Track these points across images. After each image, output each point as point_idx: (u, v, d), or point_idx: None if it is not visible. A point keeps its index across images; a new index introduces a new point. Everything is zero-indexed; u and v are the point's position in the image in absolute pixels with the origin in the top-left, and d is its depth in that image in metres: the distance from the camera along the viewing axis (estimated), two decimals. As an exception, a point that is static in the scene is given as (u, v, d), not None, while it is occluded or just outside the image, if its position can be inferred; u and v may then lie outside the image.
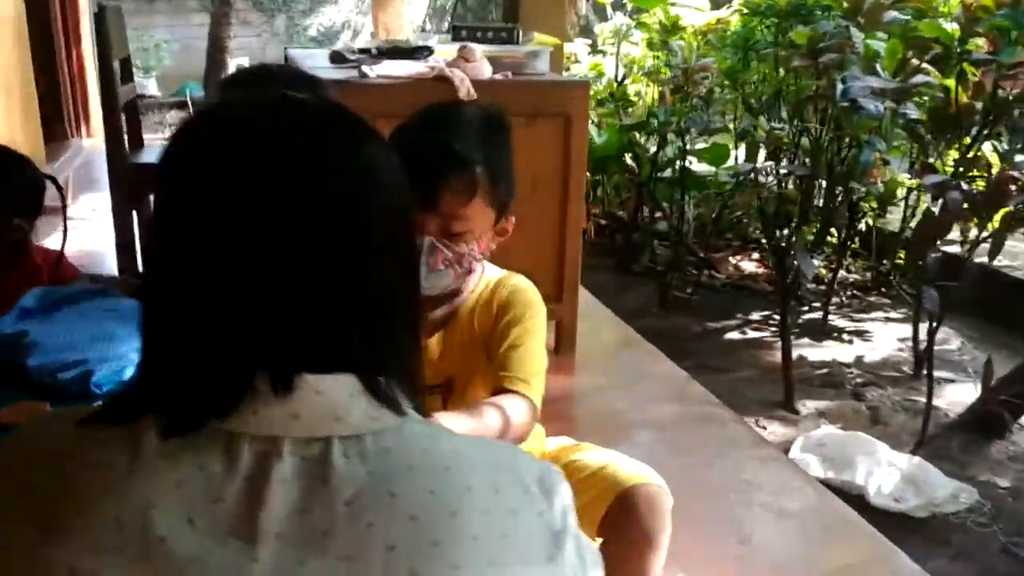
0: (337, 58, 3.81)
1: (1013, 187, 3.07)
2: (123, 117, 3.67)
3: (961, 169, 3.39)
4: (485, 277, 1.56)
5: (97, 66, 5.36)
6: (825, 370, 4.05)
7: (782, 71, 4.26)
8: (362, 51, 3.58)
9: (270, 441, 0.71)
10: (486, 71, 3.29)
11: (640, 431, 2.97)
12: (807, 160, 4.08)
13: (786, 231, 4.32)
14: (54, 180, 2.09)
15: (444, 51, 3.43)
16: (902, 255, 4.67)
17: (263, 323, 0.73)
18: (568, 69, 6.06)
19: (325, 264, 0.74)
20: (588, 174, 4.15)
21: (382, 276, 0.78)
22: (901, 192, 4.57)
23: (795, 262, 3.88)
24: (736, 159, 5.05)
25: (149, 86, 10.67)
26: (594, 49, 6.82)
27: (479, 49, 3.32)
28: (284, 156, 0.73)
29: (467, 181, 1.39)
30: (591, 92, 4.16)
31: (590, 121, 4.28)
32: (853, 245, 4.91)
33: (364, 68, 3.17)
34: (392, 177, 0.82)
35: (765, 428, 3.47)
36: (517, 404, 1.39)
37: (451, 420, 1.29)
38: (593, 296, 4.12)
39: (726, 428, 3.06)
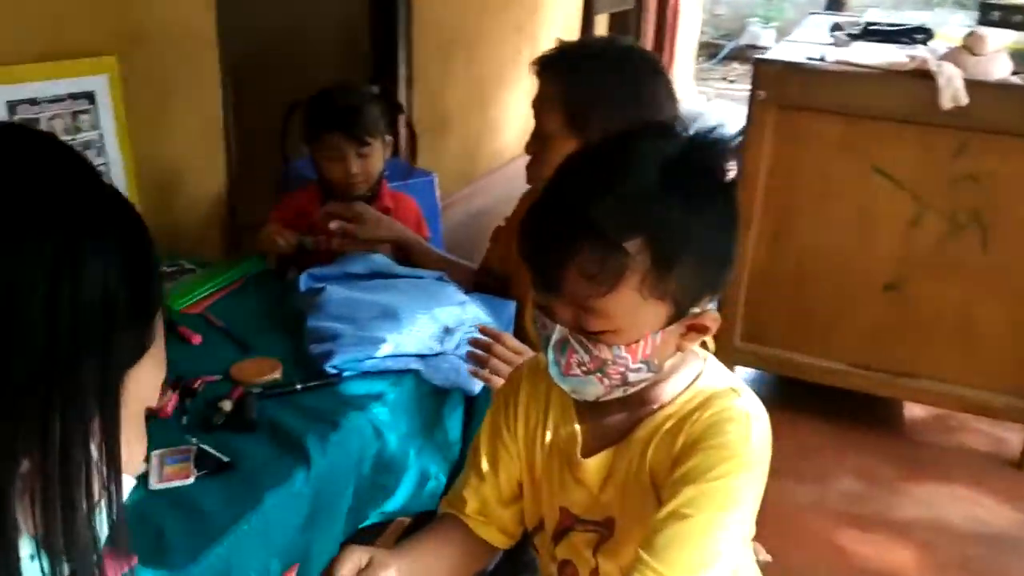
0: (835, 29, 3.26)
1: None
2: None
3: None
4: (696, 386, 1.05)
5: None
6: None
7: None
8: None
9: None
10: (999, 70, 2.48)
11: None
12: None
13: None
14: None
15: (949, 36, 2.67)
16: None
17: None
18: None
19: None
20: None
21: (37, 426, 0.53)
22: None
23: None
24: None
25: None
26: None
27: (997, 39, 2.50)
28: None
29: (606, 264, 0.91)
30: None
31: None
32: None
33: (828, 49, 2.60)
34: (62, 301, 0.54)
35: None
36: None
37: None
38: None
39: None
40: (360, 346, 1.61)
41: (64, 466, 0.53)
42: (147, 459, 1.32)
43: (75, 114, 2.04)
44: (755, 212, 2.59)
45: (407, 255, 2.03)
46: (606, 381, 0.99)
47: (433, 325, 1.70)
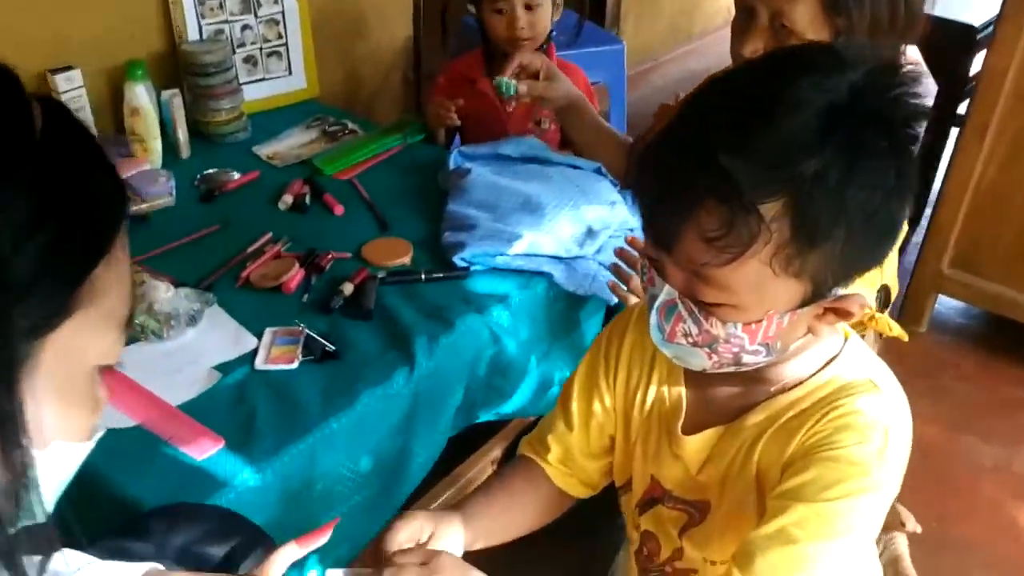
0: None
1: None
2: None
3: None
4: (829, 371, 0.87)
5: None
6: None
7: None
8: None
9: None
10: None
11: None
12: None
13: None
14: None
15: None
16: None
17: None
18: None
19: None
20: None
21: None
22: None
23: None
24: None
25: None
26: None
27: None
28: None
29: (732, 229, 0.73)
30: None
31: None
32: None
33: None
34: None
35: None
36: None
37: None
38: None
39: None
40: (493, 240, 1.52)
41: None
42: (259, 336, 1.33)
43: (253, -42, 2.00)
44: (992, 122, 2.18)
45: (568, 123, 1.86)
46: (715, 357, 0.84)
47: (576, 224, 1.58)
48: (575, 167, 1.76)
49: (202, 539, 0.94)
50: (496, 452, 1.68)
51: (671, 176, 0.77)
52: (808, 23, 1.24)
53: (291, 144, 1.94)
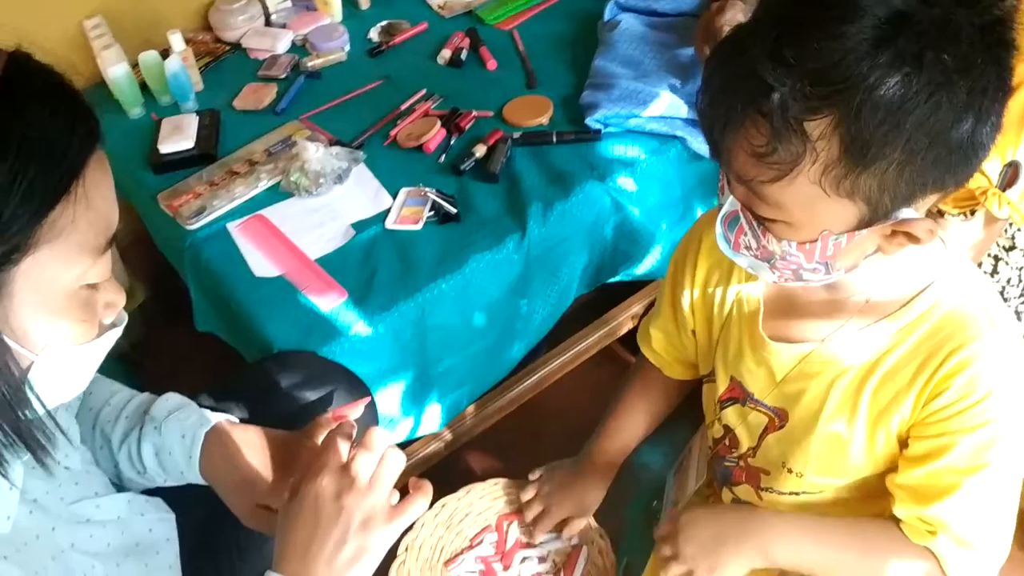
0: None
1: None
2: None
3: None
4: (930, 297, 0.83)
5: None
6: None
7: None
8: None
9: None
10: None
11: None
12: None
13: None
14: None
15: None
16: None
17: None
18: None
19: None
20: None
21: None
22: None
23: None
24: None
25: None
26: None
27: None
28: None
29: (778, 145, 0.69)
30: None
31: None
32: None
33: None
34: None
35: None
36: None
37: (793, 535, 0.91)
38: None
39: None
40: (628, 101, 1.50)
41: None
42: (394, 196, 1.45)
43: None
44: None
45: None
46: (776, 272, 0.83)
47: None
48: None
49: (301, 384, 1.11)
50: (636, 308, 1.73)
51: (724, 85, 0.73)
52: None
53: (460, -3, 1.96)
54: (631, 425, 1.17)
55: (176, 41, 1.69)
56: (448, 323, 1.34)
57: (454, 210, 1.39)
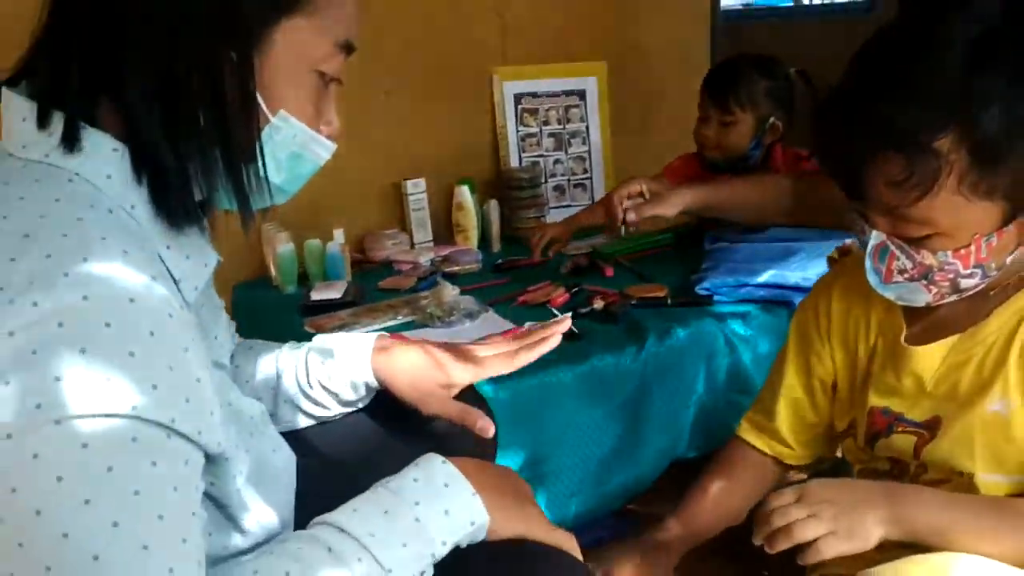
0: None
1: None
2: None
3: None
4: None
5: None
6: None
7: None
8: None
9: None
10: None
11: None
12: None
13: None
14: (805, 75, 1.93)
15: None
16: None
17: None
18: None
19: None
20: None
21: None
22: None
23: None
24: None
25: None
26: None
27: None
28: None
29: (914, 170, 0.81)
30: None
31: None
32: None
33: None
34: None
35: None
36: None
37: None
38: None
39: None
40: (739, 272, 1.64)
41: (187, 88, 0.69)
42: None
43: (567, 108, 2.46)
44: None
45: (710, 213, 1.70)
46: (933, 289, 0.91)
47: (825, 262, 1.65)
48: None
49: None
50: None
51: (844, 133, 0.86)
52: None
53: (582, 244, 2.23)
54: (717, 508, 1.15)
55: (338, 235, 1.97)
56: (563, 412, 1.37)
57: (577, 331, 1.49)
